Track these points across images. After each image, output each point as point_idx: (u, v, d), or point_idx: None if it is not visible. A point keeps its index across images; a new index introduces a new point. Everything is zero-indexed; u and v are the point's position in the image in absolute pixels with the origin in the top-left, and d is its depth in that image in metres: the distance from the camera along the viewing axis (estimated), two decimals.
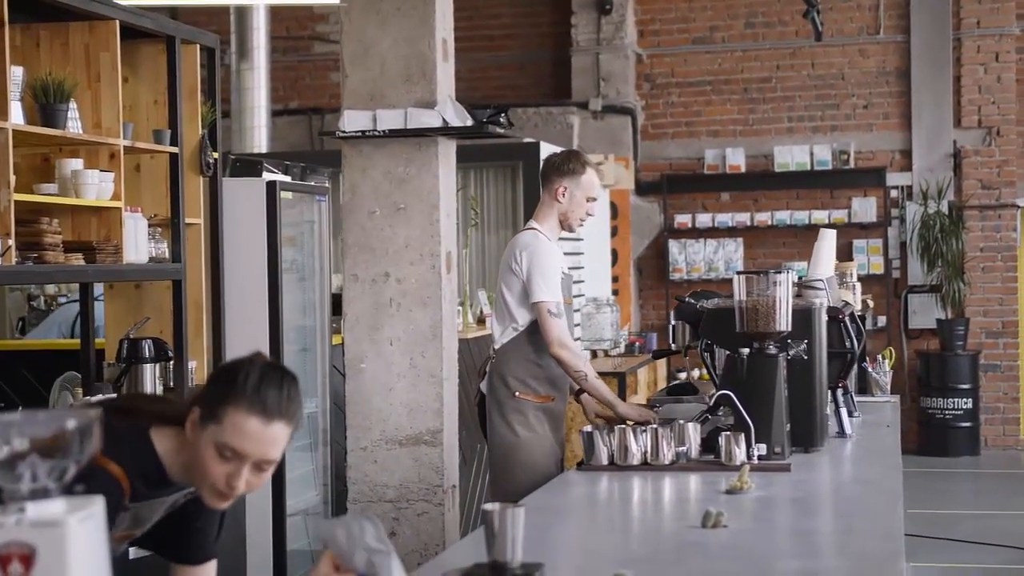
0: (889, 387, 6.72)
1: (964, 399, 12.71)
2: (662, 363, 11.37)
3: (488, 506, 2.83)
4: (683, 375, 10.97)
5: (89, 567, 1.85)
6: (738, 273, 4.67)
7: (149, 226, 5.82)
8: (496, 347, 5.55)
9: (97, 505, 1.88)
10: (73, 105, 5.27)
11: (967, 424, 12.75)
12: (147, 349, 5.71)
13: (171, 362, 5.88)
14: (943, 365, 12.76)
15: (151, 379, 5.69)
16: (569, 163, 5.55)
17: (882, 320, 13.04)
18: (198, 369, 6.17)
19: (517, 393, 5.45)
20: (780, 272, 4.61)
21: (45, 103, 5.13)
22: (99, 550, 1.87)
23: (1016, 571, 8.42)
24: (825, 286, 5.36)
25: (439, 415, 5.81)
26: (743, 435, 4.41)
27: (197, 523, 3.04)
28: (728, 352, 4.74)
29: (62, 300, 8.98)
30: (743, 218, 13.32)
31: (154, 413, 2.89)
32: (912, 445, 12.89)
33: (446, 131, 5.76)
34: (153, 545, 3.07)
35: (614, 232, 12.77)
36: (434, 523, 5.83)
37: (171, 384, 5.91)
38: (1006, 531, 9.32)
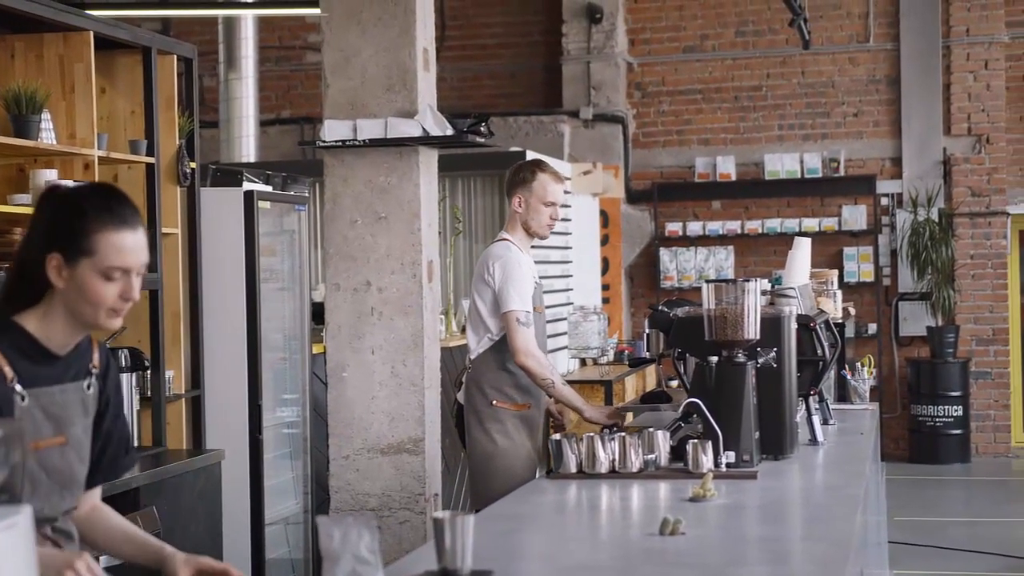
0: (868, 395, 6.70)
1: (955, 406, 12.70)
2: (651, 371, 11.36)
3: (437, 514, 2.86)
4: (675, 383, 10.94)
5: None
6: (707, 281, 4.68)
7: None
8: (472, 357, 5.59)
9: (23, 515, 1.89)
10: (47, 116, 5.28)
11: (957, 431, 12.74)
12: (124, 359, 5.72)
13: (148, 372, 5.90)
14: (934, 372, 12.76)
15: (128, 389, 5.70)
16: (520, 173, 5.63)
17: (872, 327, 13.04)
18: (175, 379, 6.18)
19: (494, 402, 5.50)
20: (748, 281, 4.62)
21: (17, 114, 5.14)
22: (23, 560, 1.88)
23: None
24: (797, 294, 5.37)
25: (421, 424, 5.82)
26: (711, 443, 4.42)
27: (105, 424, 3.05)
28: (697, 360, 4.76)
29: None
30: (734, 226, 13.32)
31: (5, 307, 2.88)
32: (902, 452, 12.91)
33: (426, 140, 5.77)
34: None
35: (605, 240, 12.79)
36: (416, 532, 5.83)
37: (148, 394, 5.92)
38: (996, 538, 9.32)
